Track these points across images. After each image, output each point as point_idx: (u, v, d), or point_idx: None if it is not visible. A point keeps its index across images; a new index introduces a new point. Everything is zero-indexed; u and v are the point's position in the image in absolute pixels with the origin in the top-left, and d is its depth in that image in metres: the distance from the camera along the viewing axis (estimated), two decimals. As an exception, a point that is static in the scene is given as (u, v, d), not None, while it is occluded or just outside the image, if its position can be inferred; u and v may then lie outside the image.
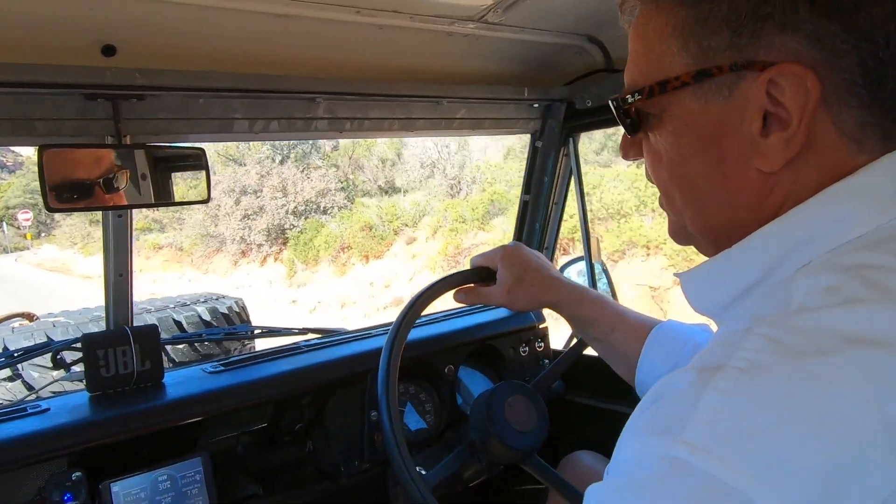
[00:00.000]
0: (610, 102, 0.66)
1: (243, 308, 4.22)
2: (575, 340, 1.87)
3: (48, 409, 1.26)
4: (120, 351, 1.31)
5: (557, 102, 1.81)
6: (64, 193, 1.07)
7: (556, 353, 1.94)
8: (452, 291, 1.36)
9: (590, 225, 1.90)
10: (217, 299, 4.15)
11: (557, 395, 1.86)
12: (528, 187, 1.96)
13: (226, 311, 3.99)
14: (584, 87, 1.76)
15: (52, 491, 1.24)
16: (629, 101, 0.62)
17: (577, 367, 1.85)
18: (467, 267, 1.38)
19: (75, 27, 1.10)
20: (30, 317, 3.99)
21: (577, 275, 2.05)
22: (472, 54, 1.58)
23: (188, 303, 4.01)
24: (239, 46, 1.27)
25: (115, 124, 1.15)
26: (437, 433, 1.66)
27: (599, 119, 1.80)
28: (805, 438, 0.42)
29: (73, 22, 1.08)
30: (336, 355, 1.57)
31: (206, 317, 3.87)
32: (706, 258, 0.64)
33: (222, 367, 1.47)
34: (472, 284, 1.36)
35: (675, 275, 0.69)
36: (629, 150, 0.69)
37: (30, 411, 1.25)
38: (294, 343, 1.65)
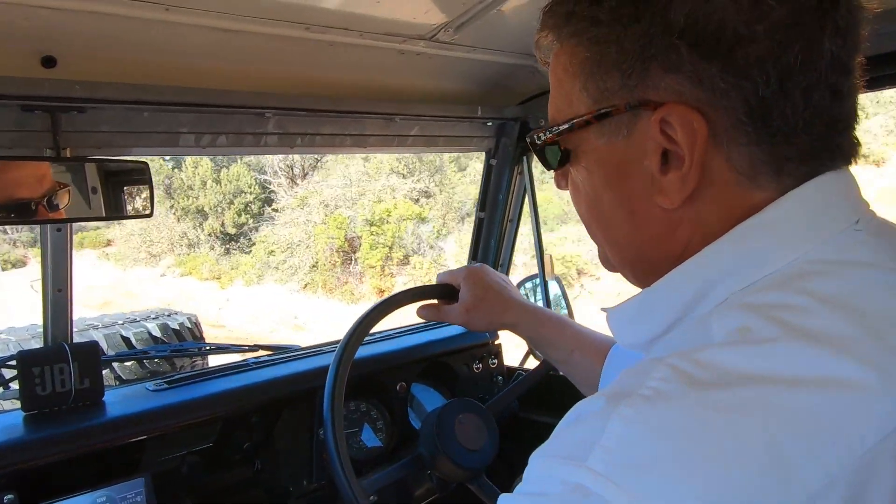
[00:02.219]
0: (533, 138, 0.66)
1: (196, 324, 4.13)
2: (538, 364, 1.88)
3: None
4: (57, 368, 1.27)
5: (511, 121, 1.84)
6: (3, 206, 1.04)
7: (510, 369, 1.94)
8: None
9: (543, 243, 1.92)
10: (169, 315, 4.06)
11: (511, 412, 1.86)
12: (483, 205, 1.98)
13: (177, 328, 3.90)
14: (538, 107, 1.79)
15: (-19, 515, 1.20)
16: (540, 138, 0.64)
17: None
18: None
19: (14, 37, 1.08)
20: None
21: (536, 293, 2.06)
22: (425, 72, 1.60)
23: (138, 319, 3.91)
24: (184, 60, 1.26)
25: (54, 136, 1.13)
26: (388, 451, 1.65)
27: (552, 138, 1.82)
28: (700, 469, 0.42)
29: (10, 31, 1.06)
30: (285, 372, 1.54)
31: (157, 333, 3.78)
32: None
33: (166, 385, 1.43)
34: (434, 301, 1.37)
35: (603, 309, 0.70)
36: (560, 181, 0.70)
37: None
38: (243, 360, 1.62)
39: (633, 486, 0.43)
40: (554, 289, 2.03)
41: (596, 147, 0.59)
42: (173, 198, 21.62)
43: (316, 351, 1.69)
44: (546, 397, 1.89)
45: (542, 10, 0.64)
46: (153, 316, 3.97)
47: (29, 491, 1.23)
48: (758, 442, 0.43)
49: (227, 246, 20.67)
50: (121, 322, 3.84)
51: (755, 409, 0.44)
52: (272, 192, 20.26)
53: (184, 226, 21.56)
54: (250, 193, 20.83)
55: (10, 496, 1.21)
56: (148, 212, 1.22)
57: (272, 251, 17.59)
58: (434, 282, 1.38)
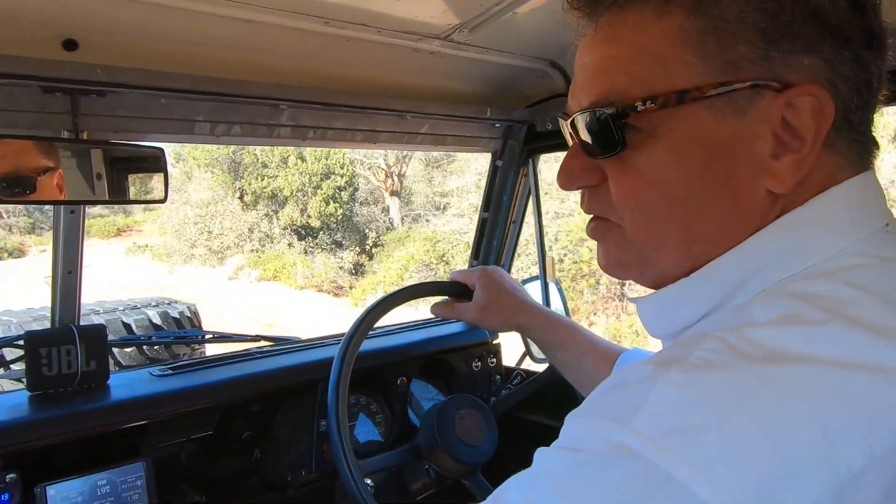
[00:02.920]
0: (578, 118, 0.60)
1: (195, 313, 4.14)
2: (545, 367, 1.90)
3: None
4: (64, 350, 1.28)
5: (518, 124, 1.86)
6: (13, 185, 1.05)
7: (508, 369, 1.96)
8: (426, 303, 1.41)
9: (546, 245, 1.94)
10: (169, 304, 4.06)
11: (508, 412, 1.88)
12: (487, 205, 1.99)
13: (177, 316, 3.90)
14: (545, 111, 1.81)
15: (-17, 493, 1.20)
16: (617, 112, 0.56)
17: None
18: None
19: (37, 19, 1.09)
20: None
21: (535, 293, 2.09)
22: (437, 71, 1.61)
23: (138, 306, 3.91)
24: (203, 49, 1.27)
25: (73, 119, 1.14)
26: (387, 445, 1.66)
27: (559, 142, 1.84)
28: (748, 438, 0.43)
29: (35, 14, 1.07)
30: (287, 363, 1.56)
31: (157, 321, 3.78)
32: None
33: (170, 371, 1.44)
34: (446, 298, 1.40)
35: (632, 300, 0.70)
36: (580, 174, 0.63)
37: None
38: (245, 349, 1.63)
39: (679, 449, 0.43)
40: (553, 291, 2.06)
41: (701, 124, 0.54)
42: (242, 178, 17.92)
43: (318, 343, 1.70)
44: (542, 399, 1.90)
45: None
46: (153, 303, 3.97)
47: (31, 470, 1.24)
48: (806, 417, 0.43)
49: (319, 242, 16.70)
50: (121, 308, 3.84)
51: (804, 386, 0.45)
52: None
53: (252, 215, 17.52)
54: (340, 176, 17.13)
55: (12, 475, 1.22)
56: (162, 197, 1.23)
57: (443, 255, 13.12)
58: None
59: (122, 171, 1.20)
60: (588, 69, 0.61)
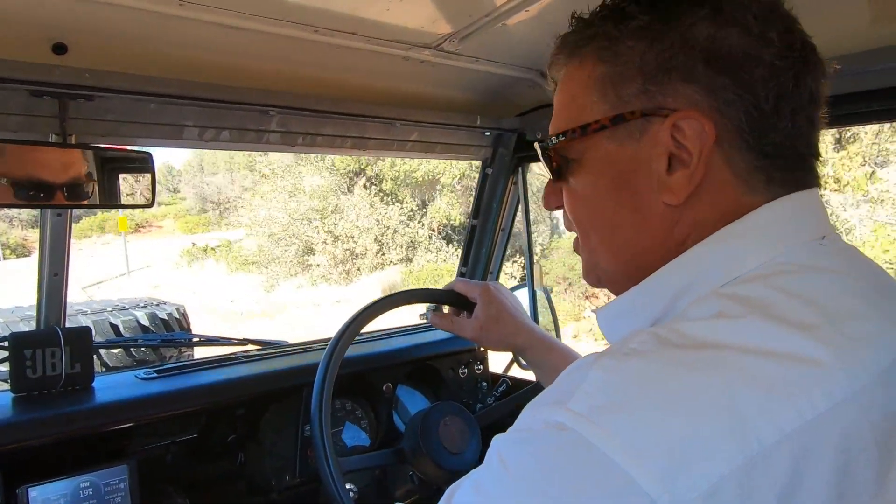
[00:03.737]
0: (536, 146, 0.73)
1: (184, 315, 4.13)
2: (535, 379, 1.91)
3: None
4: (49, 352, 1.28)
5: (508, 133, 1.87)
6: (6, 189, 1.06)
7: (495, 376, 1.97)
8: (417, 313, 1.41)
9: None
10: (157, 305, 4.04)
11: (493, 420, 1.89)
12: (476, 213, 2.00)
13: (165, 318, 3.89)
14: (535, 120, 1.82)
15: (-36, 494, 1.20)
16: (552, 143, 0.70)
17: (508, 392, 1.89)
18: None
19: (26, 22, 1.10)
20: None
21: (523, 300, 2.09)
22: (428, 80, 1.62)
23: (126, 307, 3.89)
24: (192, 54, 1.28)
25: (61, 123, 1.14)
26: (372, 450, 1.67)
27: (548, 151, 1.86)
28: (663, 412, 0.48)
29: (24, 17, 1.08)
30: (273, 368, 1.56)
31: (145, 322, 3.76)
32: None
33: (155, 374, 1.45)
34: (445, 309, 1.41)
35: (593, 311, 0.76)
36: (551, 198, 0.76)
37: None
38: (231, 353, 1.63)
39: (605, 423, 0.48)
40: (541, 298, 2.07)
41: (607, 150, 0.65)
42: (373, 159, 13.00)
43: (305, 348, 1.71)
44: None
45: (559, 35, 0.72)
46: (141, 304, 3.95)
47: (13, 471, 1.24)
48: (718, 395, 0.48)
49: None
50: (109, 309, 3.82)
51: (718, 368, 0.50)
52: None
53: (394, 212, 12.94)
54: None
55: None
56: (149, 202, 1.24)
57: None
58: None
59: (110, 175, 1.21)
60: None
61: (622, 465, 0.46)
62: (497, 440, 0.56)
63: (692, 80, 0.60)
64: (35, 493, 1.26)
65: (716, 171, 0.61)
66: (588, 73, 0.66)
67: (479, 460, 1.45)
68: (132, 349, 3.08)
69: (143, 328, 3.75)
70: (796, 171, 0.63)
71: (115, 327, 3.60)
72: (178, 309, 4.10)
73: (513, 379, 1.91)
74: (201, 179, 33.03)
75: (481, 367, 1.91)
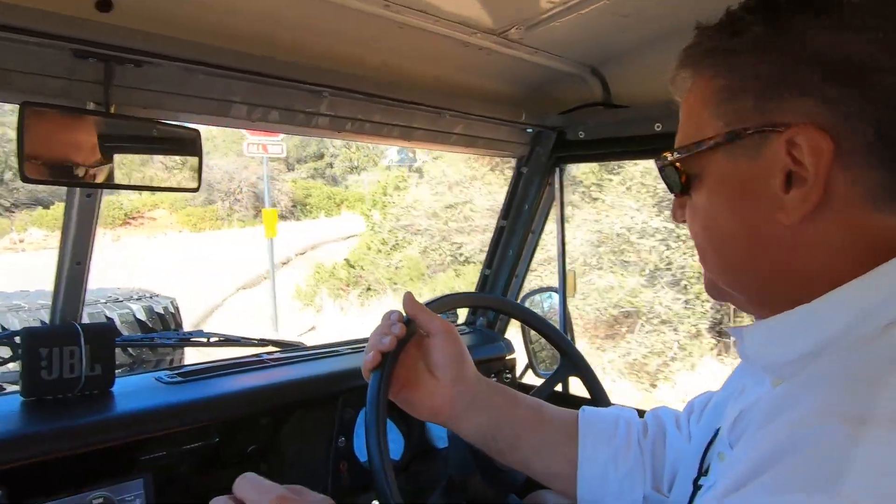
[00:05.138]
0: (655, 163, 0.71)
1: (177, 309, 3.87)
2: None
3: None
4: (67, 351, 1.12)
5: (548, 130, 1.78)
6: (42, 162, 0.90)
7: (523, 386, 1.88)
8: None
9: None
10: (152, 297, 3.77)
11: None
12: (506, 213, 1.91)
13: (161, 312, 3.63)
14: (579, 119, 1.74)
15: (-37, 513, 1.04)
16: (670, 160, 0.68)
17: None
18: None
19: (69, -28, 0.95)
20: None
21: (543, 306, 2.01)
22: (480, 69, 1.53)
23: (121, 298, 3.61)
24: (249, 22, 1.15)
25: (106, 90, 0.99)
26: (404, 465, 1.55)
27: (590, 153, 1.78)
28: None
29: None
30: (305, 373, 1.43)
31: (141, 316, 3.50)
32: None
33: (179, 378, 1.30)
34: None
35: (729, 329, 0.72)
36: (677, 210, 0.73)
37: None
38: (255, 355, 1.49)
39: None
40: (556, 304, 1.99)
41: (722, 168, 0.63)
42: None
43: (332, 352, 1.58)
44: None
45: (682, 49, 0.68)
46: (136, 296, 3.65)
47: (20, 487, 1.08)
48: None
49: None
50: (103, 301, 3.53)
51: None
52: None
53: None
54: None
55: None
56: (195, 185, 1.10)
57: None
58: None
59: (154, 153, 1.06)
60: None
61: None
62: None
63: (809, 93, 0.56)
64: (43, 510, 1.11)
65: (838, 191, 0.56)
66: (704, 88, 0.65)
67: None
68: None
69: (140, 322, 3.48)
70: None
71: (111, 321, 3.31)
72: (171, 302, 3.83)
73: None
74: (206, 163, 28.52)
75: (510, 375, 1.82)
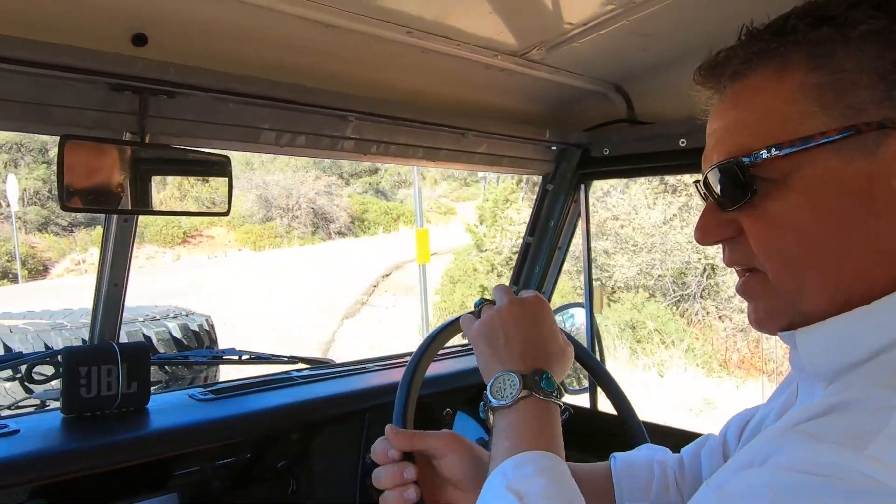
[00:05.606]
0: (707, 174, 0.64)
1: (212, 326, 3.96)
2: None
3: (17, 431, 1.11)
4: (105, 370, 1.17)
5: (573, 147, 1.79)
6: (81, 192, 0.95)
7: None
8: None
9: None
10: (187, 315, 3.87)
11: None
12: (532, 229, 1.92)
13: (196, 329, 3.72)
14: (604, 136, 1.74)
15: (8, 525, 1.09)
16: (747, 161, 0.60)
17: (567, 421, 1.80)
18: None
19: (107, 11, 1.00)
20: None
21: (571, 323, 2.01)
22: (503, 89, 1.55)
23: (158, 317, 3.71)
24: (277, 52, 1.19)
25: (140, 121, 1.04)
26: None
27: (614, 168, 1.78)
28: None
29: (103, 4, 0.98)
30: (333, 391, 1.46)
31: (177, 334, 3.60)
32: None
33: (212, 395, 1.34)
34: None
35: (782, 335, 0.64)
36: (715, 230, 0.65)
37: None
38: (285, 372, 1.53)
39: None
40: (583, 320, 1.98)
41: (829, 168, 0.56)
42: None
43: (360, 369, 1.61)
44: (580, 435, 1.83)
45: (727, 47, 0.63)
46: (172, 314, 3.77)
47: (60, 499, 1.13)
48: None
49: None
50: (141, 319, 3.64)
51: None
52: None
53: None
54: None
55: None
56: (225, 210, 1.14)
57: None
58: None
59: (186, 180, 1.11)
60: (717, 134, 0.65)
61: None
62: (763, 475, 0.48)
63: None
64: (81, 524, 1.15)
65: None
66: (798, 82, 0.58)
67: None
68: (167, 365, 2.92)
69: (175, 340, 3.57)
70: None
71: (148, 339, 3.42)
72: (206, 320, 3.93)
73: (574, 407, 1.82)
74: (262, 178, 25.88)
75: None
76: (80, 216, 22.52)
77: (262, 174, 26.83)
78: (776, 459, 0.48)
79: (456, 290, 12.01)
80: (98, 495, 1.18)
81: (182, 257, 21.62)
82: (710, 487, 0.54)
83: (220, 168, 1.13)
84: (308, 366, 1.62)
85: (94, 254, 20.62)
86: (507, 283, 2.04)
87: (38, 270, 19.51)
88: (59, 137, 0.93)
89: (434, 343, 1.23)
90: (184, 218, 22.59)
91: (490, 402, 0.78)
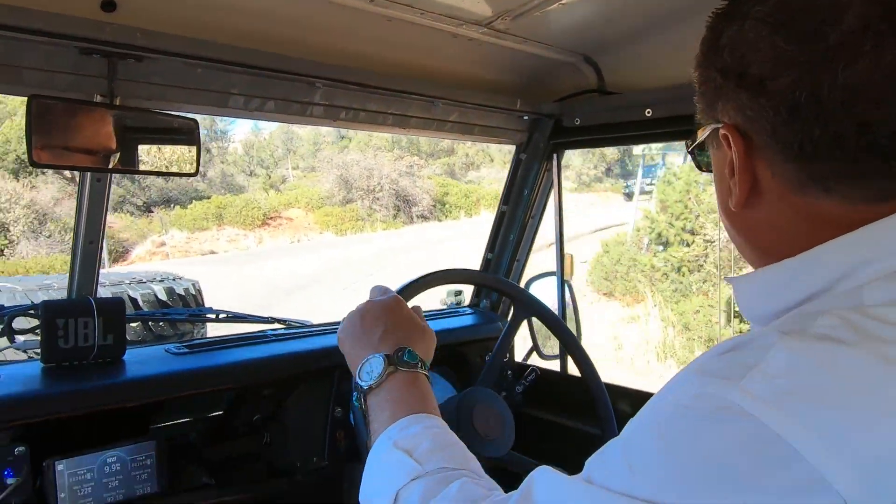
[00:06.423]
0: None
1: (199, 291, 4.07)
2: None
3: None
4: (82, 322, 1.24)
5: (545, 118, 1.83)
6: (50, 149, 1.01)
7: (521, 365, 1.94)
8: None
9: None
10: (174, 280, 3.99)
11: (518, 409, 1.86)
12: (507, 198, 1.97)
13: (182, 293, 3.84)
14: (574, 106, 1.78)
15: (-10, 465, 1.16)
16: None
17: (535, 383, 1.87)
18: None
19: (76, -23, 1.05)
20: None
21: (545, 291, 2.07)
22: (472, 60, 1.59)
23: (144, 280, 3.83)
24: (246, 19, 1.23)
25: (109, 83, 1.09)
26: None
27: (585, 138, 1.82)
28: (870, 416, 0.44)
29: (73, -29, 1.03)
30: (304, 347, 1.52)
31: (163, 296, 3.71)
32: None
33: (186, 349, 1.41)
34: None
35: (727, 279, 0.74)
36: None
37: None
38: (260, 331, 1.59)
39: (795, 413, 0.44)
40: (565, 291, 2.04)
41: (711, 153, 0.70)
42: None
43: (333, 329, 1.67)
44: (549, 396, 1.90)
45: None
46: (159, 278, 3.88)
47: (39, 445, 1.20)
48: None
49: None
50: (127, 282, 3.75)
51: None
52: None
53: None
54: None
55: (21, 448, 1.18)
56: (193, 171, 1.19)
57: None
58: None
59: (155, 141, 1.16)
60: None
61: (814, 464, 0.42)
62: (650, 410, 0.53)
63: (728, 99, 0.63)
64: (62, 466, 1.23)
65: (763, 182, 0.62)
66: None
67: (514, 448, 1.44)
68: (150, 323, 3.01)
69: (161, 302, 3.68)
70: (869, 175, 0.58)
71: (133, 301, 3.52)
72: (193, 285, 4.04)
73: (540, 368, 1.89)
74: (342, 159, 24.83)
75: (507, 355, 1.89)
76: (154, 195, 22.54)
77: (342, 155, 25.40)
78: (664, 394, 0.55)
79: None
80: (78, 442, 1.25)
81: (264, 240, 20.74)
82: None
83: (188, 130, 1.18)
84: (284, 325, 1.69)
85: (174, 236, 19.94)
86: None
87: (119, 252, 18.55)
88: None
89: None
90: (263, 200, 22.53)
91: (360, 385, 0.89)
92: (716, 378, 0.49)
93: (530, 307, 1.59)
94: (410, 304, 1.16)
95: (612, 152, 30.21)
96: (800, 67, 0.55)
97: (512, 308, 1.59)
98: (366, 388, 0.89)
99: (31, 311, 1.27)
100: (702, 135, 0.68)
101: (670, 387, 0.55)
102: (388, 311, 1.02)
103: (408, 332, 0.99)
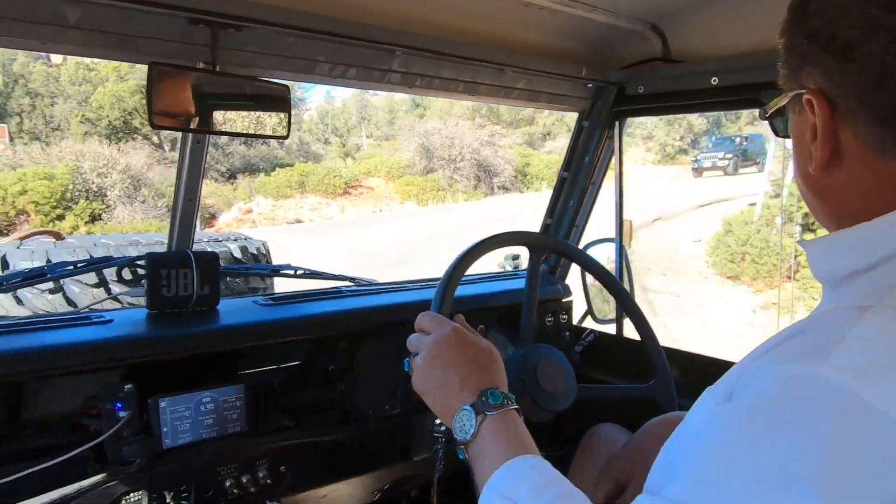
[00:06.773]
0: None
1: (268, 251, 4.31)
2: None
3: (111, 321, 1.30)
4: (182, 273, 1.35)
5: (610, 85, 1.86)
6: (167, 113, 1.10)
7: (578, 327, 2.01)
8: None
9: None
10: (246, 239, 4.23)
11: (577, 369, 1.93)
12: (568, 165, 2.01)
13: (254, 252, 4.06)
14: (639, 74, 1.81)
15: (105, 400, 1.28)
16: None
17: (594, 344, 1.93)
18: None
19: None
20: (57, 235, 4.03)
21: (603, 256, 2.12)
22: (541, 27, 1.62)
23: (220, 239, 4.06)
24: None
25: (212, 51, 1.18)
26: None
27: (649, 106, 1.85)
28: None
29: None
30: (377, 303, 1.62)
31: (237, 254, 3.92)
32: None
33: (272, 302, 1.51)
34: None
35: (799, 242, 0.83)
36: None
37: (94, 320, 1.29)
38: (335, 287, 1.69)
39: (882, 380, 0.47)
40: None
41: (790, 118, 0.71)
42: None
43: (402, 287, 1.76)
44: (607, 358, 1.96)
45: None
46: (233, 238, 4.12)
47: (145, 383, 1.32)
48: None
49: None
50: (205, 240, 3.98)
51: None
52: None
53: None
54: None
55: (129, 386, 1.30)
56: (285, 133, 1.28)
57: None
58: None
59: (251, 107, 1.25)
60: None
61: None
62: (728, 414, 0.55)
63: (813, 65, 0.65)
64: (164, 403, 1.35)
65: (846, 146, 0.63)
66: None
67: (575, 403, 1.51)
68: (227, 279, 3.20)
69: (236, 260, 3.92)
70: None
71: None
72: (263, 244, 4.29)
73: (594, 331, 1.95)
74: (422, 127, 24.17)
75: (566, 316, 1.95)
76: (237, 162, 22.65)
77: (422, 122, 24.50)
78: (747, 389, 0.55)
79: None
80: (177, 383, 1.37)
81: (346, 209, 20.38)
82: (688, 426, 0.62)
83: (282, 96, 1.27)
84: (354, 283, 1.78)
85: (260, 203, 19.78)
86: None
87: (205, 218, 18.52)
88: (147, 66, 1.08)
89: (474, 252, 1.36)
90: (343, 169, 22.15)
91: (458, 440, 0.88)
92: (800, 361, 0.52)
93: (590, 267, 1.64)
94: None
95: (699, 123, 29.09)
96: (890, 33, 0.56)
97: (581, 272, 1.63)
98: (464, 441, 0.87)
99: (139, 262, 1.38)
100: (783, 101, 0.70)
101: (749, 378, 0.55)
102: (453, 350, 0.96)
103: (481, 367, 0.94)
